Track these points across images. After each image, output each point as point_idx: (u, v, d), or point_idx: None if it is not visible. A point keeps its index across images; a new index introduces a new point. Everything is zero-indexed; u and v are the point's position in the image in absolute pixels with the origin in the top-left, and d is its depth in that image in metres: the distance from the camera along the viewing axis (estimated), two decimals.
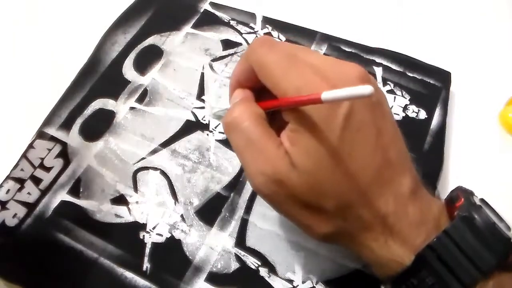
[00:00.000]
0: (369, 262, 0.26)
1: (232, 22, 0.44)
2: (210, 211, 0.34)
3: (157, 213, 0.33)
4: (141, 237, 0.32)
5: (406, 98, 0.39)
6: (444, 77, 0.40)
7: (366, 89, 0.19)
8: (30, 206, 0.34)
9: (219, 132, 0.37)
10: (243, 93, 0.27)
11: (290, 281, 0.31)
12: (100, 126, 0.38)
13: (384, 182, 0.24)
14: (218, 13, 0.44)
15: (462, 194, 0.25)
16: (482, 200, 0.25)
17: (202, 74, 0.40)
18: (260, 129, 0.25)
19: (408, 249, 0.24)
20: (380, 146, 0.24)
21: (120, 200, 0.34)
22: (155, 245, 0.32)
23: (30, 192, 0.34)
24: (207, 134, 0.37)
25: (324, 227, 0.24)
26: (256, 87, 0.27)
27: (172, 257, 0.32)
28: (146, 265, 0.31)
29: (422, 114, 0.38)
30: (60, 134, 0.37)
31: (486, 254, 0.23)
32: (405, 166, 0.25)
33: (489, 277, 0.23)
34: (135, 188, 0.35)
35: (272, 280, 0.31)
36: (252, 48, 0.25)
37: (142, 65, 0.41)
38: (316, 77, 0.23)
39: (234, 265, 0.32)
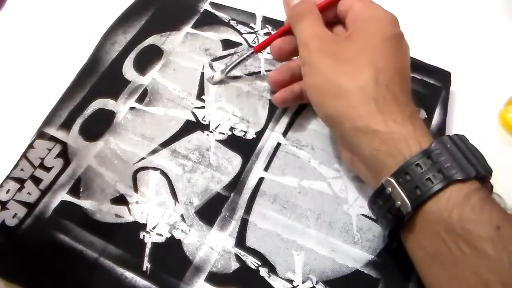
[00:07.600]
0: (382, 142, 0.27)
1: (232, 22, 0.44)
2: (210, 211, 0.34)
3: (157, 213, 0.33)
4: (141, 237, 0.32)
5: None
6: (444, 77, 0.40)
7: None
8: (30, 206, 0.34)
9: (219, 133, 0.37)
10: None
11: (290, 281, 0.31)
12: (100, 126, 0.38)
13: (405, 86, 0.30)
14: (218, 13, 0.44)
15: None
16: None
17: (202, 74, 0.40)
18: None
19: (426, 134, 0.28)
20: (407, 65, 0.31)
21: (120, 200, 0.34)
22: (155, 245, 0.32)
23: (30, 192, 0.34)
24: (207, 134, 0.37)
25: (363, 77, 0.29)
26: None
27: (172, 257, 0.32)
28: (146, 265, 0.31)
29: (422, 114, 0.38)
30: (60, 134, 0.37)
31: (480, 162, 0.27)
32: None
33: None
34: (135, 188, 0.35)
35: (272, 280, 0.31)
36: None
37: (142, 65, 0.41)
38: None
39: (234, 265, 0.32)
